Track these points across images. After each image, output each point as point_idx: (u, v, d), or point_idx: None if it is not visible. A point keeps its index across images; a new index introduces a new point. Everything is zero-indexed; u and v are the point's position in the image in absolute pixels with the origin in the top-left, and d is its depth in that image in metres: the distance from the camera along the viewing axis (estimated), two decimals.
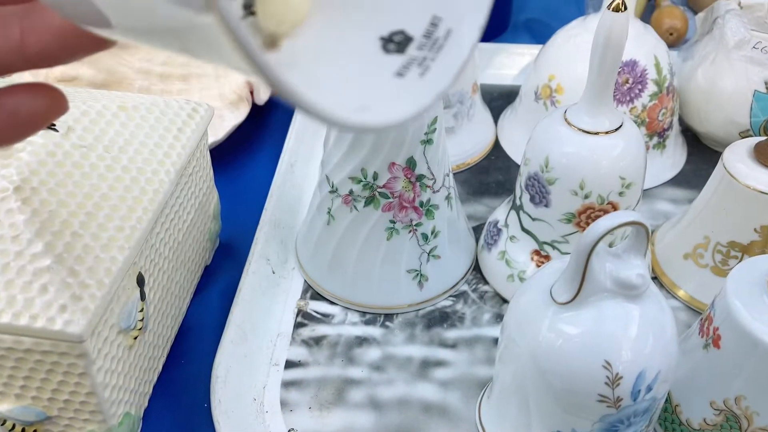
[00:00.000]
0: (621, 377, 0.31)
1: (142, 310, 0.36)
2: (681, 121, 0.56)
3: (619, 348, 0.31)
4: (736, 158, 0.43)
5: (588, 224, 0.41)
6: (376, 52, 0.17)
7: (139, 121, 0.40)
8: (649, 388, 0.32)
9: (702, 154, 0.56)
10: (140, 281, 0.36)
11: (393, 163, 0.40)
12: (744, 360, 0.33)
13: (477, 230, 0.50)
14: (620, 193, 0.40)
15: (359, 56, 0.17)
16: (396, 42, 0.18)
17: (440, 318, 0.44)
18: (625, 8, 0.37)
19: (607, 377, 0.31)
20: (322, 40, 0.17)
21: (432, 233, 0.44)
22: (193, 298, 0.45)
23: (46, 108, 0.22)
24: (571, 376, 0.32)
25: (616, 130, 0.40)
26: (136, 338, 0.36)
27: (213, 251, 0.48)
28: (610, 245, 0.40)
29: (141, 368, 0.38)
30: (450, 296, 0.46)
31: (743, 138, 0.49)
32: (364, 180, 0.41)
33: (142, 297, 0.36)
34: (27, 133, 0.22)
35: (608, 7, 0.37)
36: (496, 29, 0.73)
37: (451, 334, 0.43)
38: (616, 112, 0.41)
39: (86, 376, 0.32)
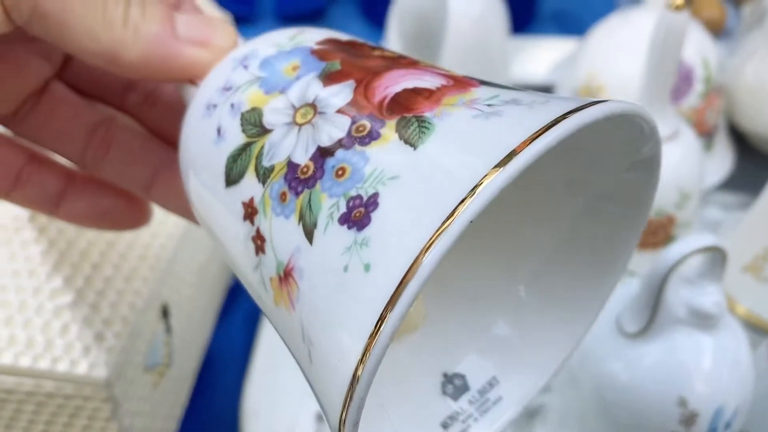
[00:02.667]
0: (697, 414, 0.28)
1: (168, 344, 0.34)
2: (728, 121, 0.53)
3: (694, 383, 0.28)
4: None
5: (644, 238, 0.39)
6: (434, 391, 0.19)
7: None
8: (728, 425, 0.29)
9: (751, 155, 0.53)
10: (165, 313, 0.33)
11: None
12: None
13: None
14: (677, 205, 0.37)
15: (419, 388, 0.19)
16: (455, 385, 0.20)
17: None
18: (685, 6, 0.34)
19: (682, 414, 0.28)
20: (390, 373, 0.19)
21: None
22: (217, 324, 0.43)
23: (124, 214, 0.24)
24: (641, 412, 0.29)
25: (673, 136, 0.37)
26: (162, 375, 0.34)
27: None
28: None
29: (168, 405, 0.35)
30: None
31: None
32: None
33: (168, 330, 0.33)
34: (99, 226, 0.24)
35: (668, 6, 0.34)
36: (520, 21, 0.69)
37: None
38: (672, 116, 0.38)
39: (113, 421, 0.30)
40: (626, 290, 0.31)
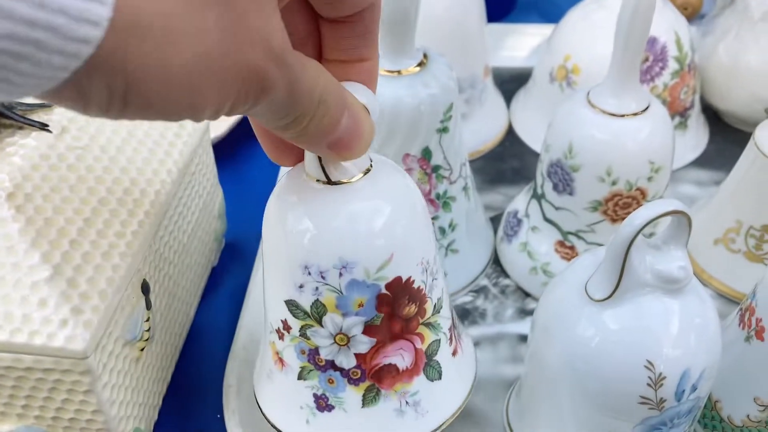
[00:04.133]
0: (664, 377, 0.29)
1: (148, 320, 0.34)
2: (701, 99, 0.54)
3: (661, 346, 0.29)
4: None
5: (615, 212, 0.39)
6: None
7: None
8: (694, 388, 0.30)
9: (725, 133, 0.54)
10: (145, 289, 0.34)
11: (407, 154, 0.38)
12: None
13: (494, 221, 0.47)
14: (649, 178, 0.38)
15: None
16: None
17: (461, 315, 0.42)
18: None
19: (650, 378, 0.29)
20: None
21: (450, 226, 0.41)
22: (200, 301, 0.43)
23: None
24: (609, 377, 0.30)
25: (643, 111, 0.38)
26: (142, 350, 0.34)
27: (219, 252, 0.46)
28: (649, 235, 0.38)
29: (149, 380, 0.36)
30: (470, 291, 0.44)
31: None
32: None
33: (148, 306, 0.34)
34: None
35: None
36: (503, 9, 0.70)
37: (473, 331, 0.41)
38: (642, 92, 0.38)
39: (92, 394, 0.30)
40: (594, 258, 0.31)
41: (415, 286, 0.28)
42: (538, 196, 0.42)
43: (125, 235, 0.33)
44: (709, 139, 0.54)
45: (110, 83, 0.15)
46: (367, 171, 0.26)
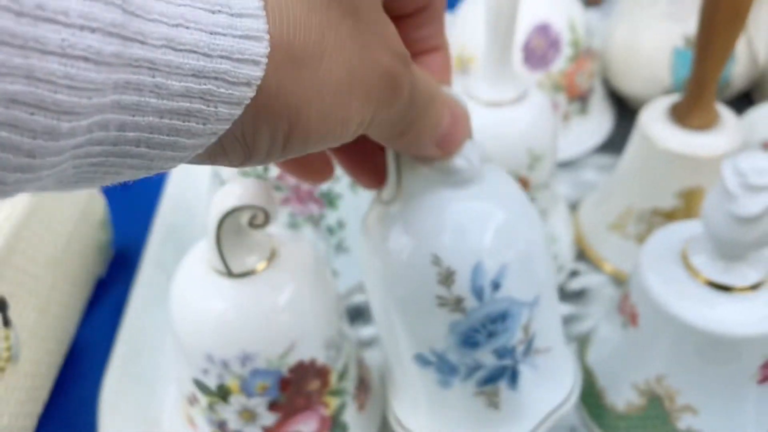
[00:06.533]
0: (453, 272, 0.26)
1: (8, 338, 0.33)
2: (606, 84, 0.54)
3: (447, 239, 0.26)
4: (653, 119, 0.40)
5: None
6: None
7: None
8: (496, 285, 0.26)
9: (629, 117, 0.53)
10: (1, 306, 0.32)
11: None
12: (661, 337, 0.31)
13: None
14: (529, 167, 0.37)
15: None
16: None
17: (355, 314, 0.41)
18: None
19: (439, 273, 0.26)
20: None
21: (338, 225, 0.40)
22: (85, 315, 0.41)
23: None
24: (407, 279, 0.26)
25: (521, 99, 0.37)
26: (3, 369, 0.33)
27: (106, 262, 0.44)
28: None
29: (17, 402, 0.34)
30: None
31: None
32: (253, 172, 0.38)
33: (6, 323, 0.32)
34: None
35: None
36: None
37: (366, 331, 0.40)
38: (519, 79, 0.38)
39: None
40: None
41: (319, 364, 0.29)
42: None
43: None
44: (616, 123, 0.53)
45: (274, 126, 0.15)
46: (272, 256, 0.27)
